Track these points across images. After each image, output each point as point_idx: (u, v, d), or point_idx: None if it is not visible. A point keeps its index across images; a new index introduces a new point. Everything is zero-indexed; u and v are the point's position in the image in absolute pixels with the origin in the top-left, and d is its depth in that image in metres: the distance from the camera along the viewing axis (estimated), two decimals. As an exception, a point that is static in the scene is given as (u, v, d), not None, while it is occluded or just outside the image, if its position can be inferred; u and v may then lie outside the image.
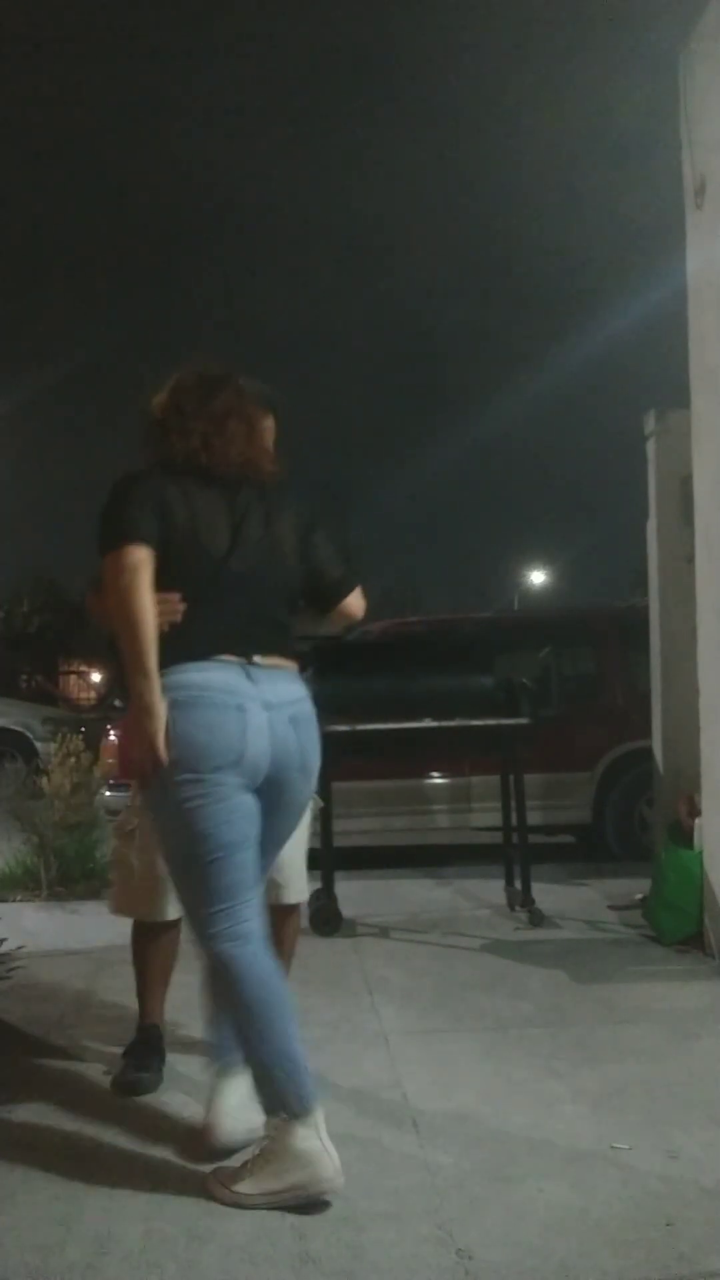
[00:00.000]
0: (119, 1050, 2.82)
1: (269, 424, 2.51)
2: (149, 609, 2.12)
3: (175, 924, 2.72)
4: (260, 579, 2.31)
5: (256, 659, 2.26)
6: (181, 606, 2.21)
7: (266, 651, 2.28)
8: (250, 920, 2.18)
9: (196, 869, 2.16)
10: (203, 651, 2.21)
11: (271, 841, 2.35)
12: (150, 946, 2.77)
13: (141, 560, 2.14)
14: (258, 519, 2.33)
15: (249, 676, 2.23)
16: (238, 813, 2.18)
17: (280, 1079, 2.09)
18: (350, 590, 2.47)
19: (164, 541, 2.20)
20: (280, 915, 2.71)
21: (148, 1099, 2.59)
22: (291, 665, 2.35)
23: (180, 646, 2.18)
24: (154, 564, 2.16)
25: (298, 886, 2.80)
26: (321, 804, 2.88)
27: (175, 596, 2.21)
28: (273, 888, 2.67)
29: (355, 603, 2.48)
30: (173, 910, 2.68)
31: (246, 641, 2.26)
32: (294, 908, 2.81)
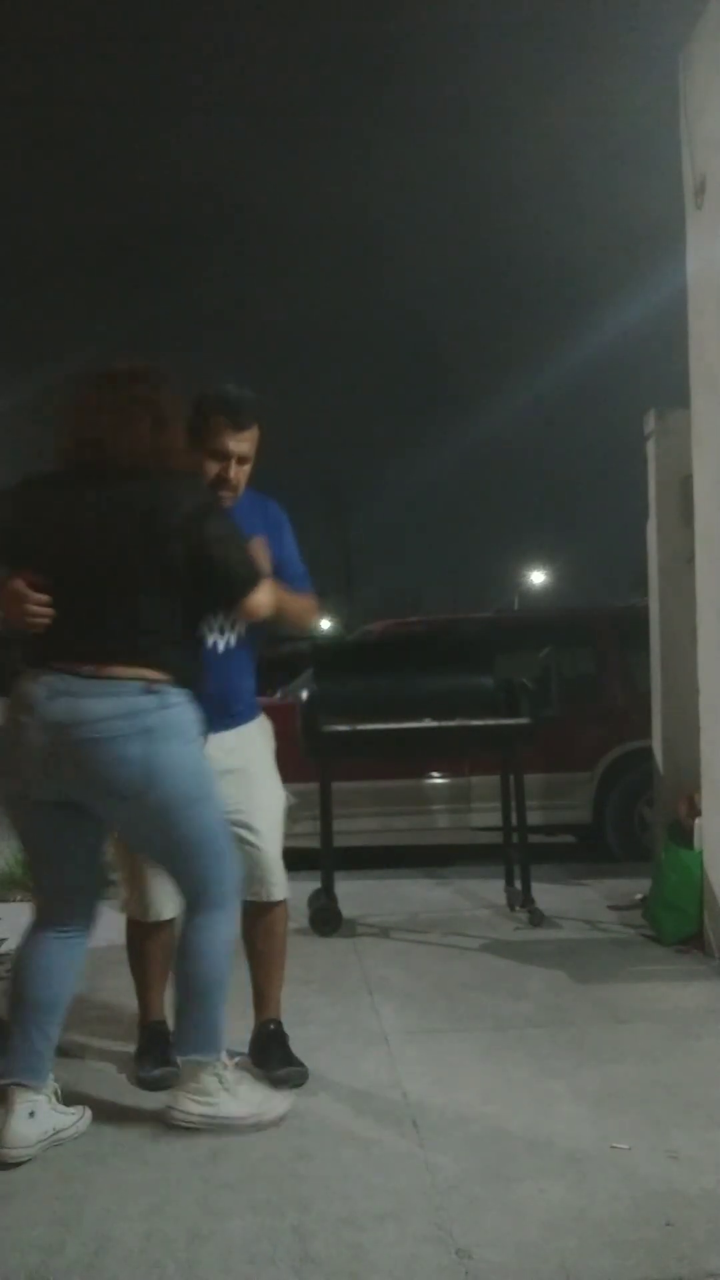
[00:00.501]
0: (119, 1050, 2.83)
1: (113, 403, 2.37)
2: None
3: (169, 923, 2.72)
4: (97, 575, 2.26)
5: (84, 669, 2.22)
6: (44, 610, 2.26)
7: (98, 659, 2.23)
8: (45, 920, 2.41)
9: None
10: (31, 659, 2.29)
11: (142, 850, 2.47)
12: (146, 945, 2.79)
13: None
14: (98, 511, 2.27)
15: (50, 692, 2.23)
16: (37, 825, 2.36)
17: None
18: (247, 588, 2.36)
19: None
20: (261, 911, 2.73)
21: (148, 1099, 2.59)
22: (134, 675, 2.23)
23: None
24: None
25: (278, 883, 2.75)
26: (293, 800, 2.87)
27: (41, 598, 2.26)
28: (252, 884, 2.67)
29: (258, 601, 2.39)
30: (167, 910, 2.69)
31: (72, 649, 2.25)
32: (276, 904, 2.76)
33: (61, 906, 2.43)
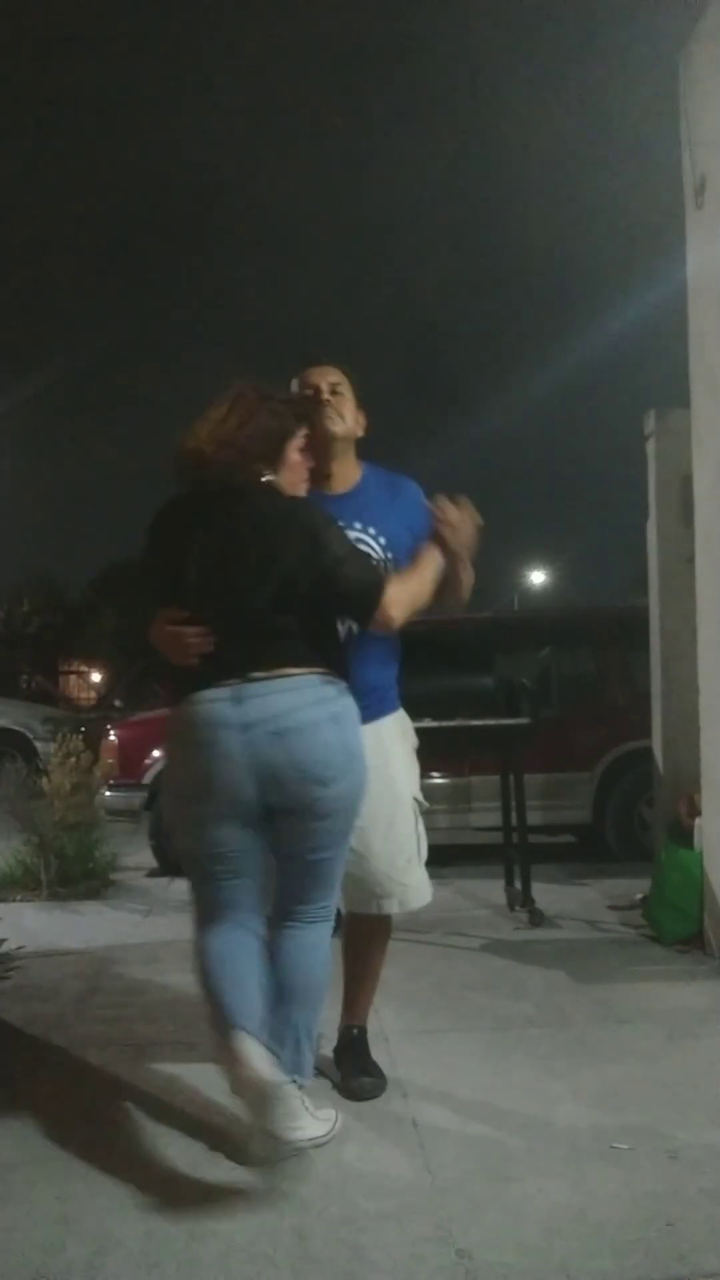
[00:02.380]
0: (119, 1049, 2.82)
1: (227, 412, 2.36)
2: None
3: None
4: (240, 597, 2.27)
5: (255, 675, 2.23)
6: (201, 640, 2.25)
7: (265, 667, 2.24)
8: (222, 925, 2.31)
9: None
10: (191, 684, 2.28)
11: (292, 854, 2.31)
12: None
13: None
14: (231, 534, 2.28)
15: (234, 699, 2.22)
16: (213, 836, 2.28)
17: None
18: (371, 607, 2.31)
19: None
20: (360, 921, 2.69)
21: (147, 1099, 2.59)
22: (307, 670, 2.26)
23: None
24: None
25: (384, 897, 2.61)
26: (426, 806, 2.73)
27: (198, 630, 2.26)
28: (354, 895, 2.61)
29: (388, 615, 2.32)
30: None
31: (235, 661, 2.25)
32: (379, 917, 2.67)
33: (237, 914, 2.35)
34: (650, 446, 4.83)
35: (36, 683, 22.94)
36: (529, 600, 34.24)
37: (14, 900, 4.92)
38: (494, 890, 4.74)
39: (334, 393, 2.62)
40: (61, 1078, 2.75)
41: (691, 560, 4.11)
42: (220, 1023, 2.18)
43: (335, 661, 2.33)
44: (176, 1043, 2.82)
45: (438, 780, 6.03)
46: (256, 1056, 2.10)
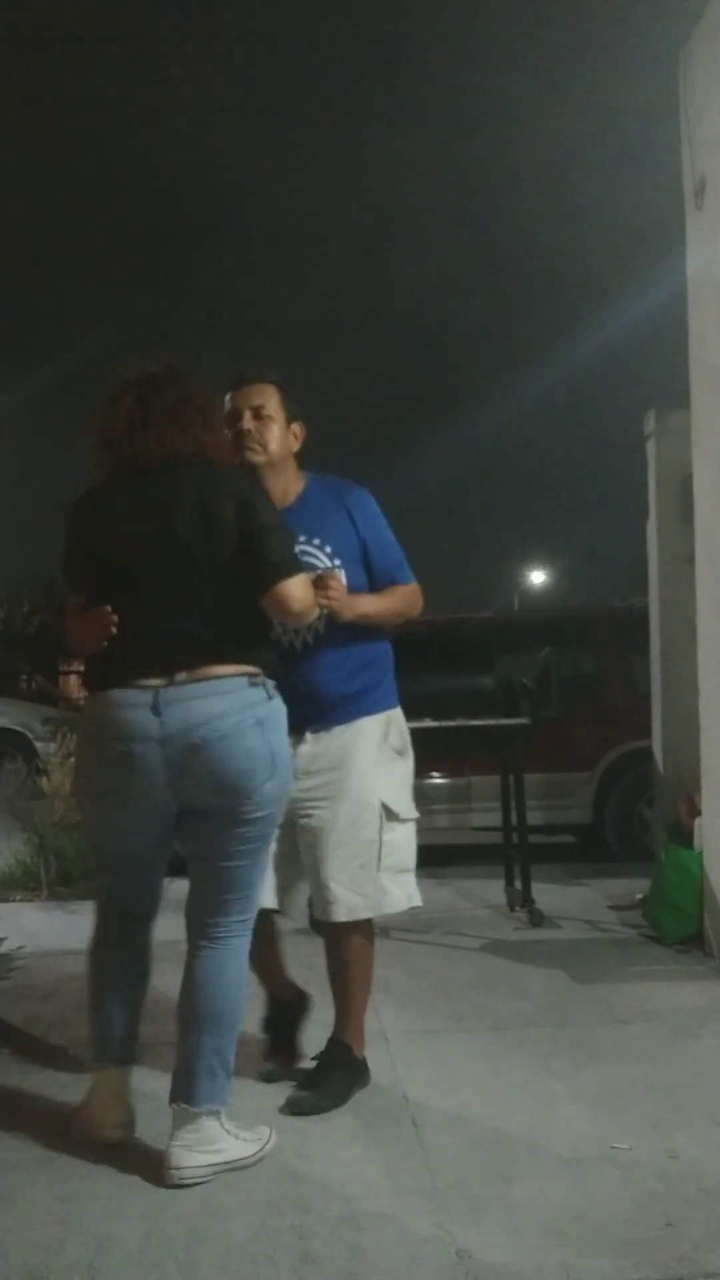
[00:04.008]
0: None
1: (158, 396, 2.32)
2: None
3: (269, 915, 2.58)
4: (167, 579, 2.22)
5: (179, 677, 2.17)
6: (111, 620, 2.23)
7: (189, 665, 2.18)
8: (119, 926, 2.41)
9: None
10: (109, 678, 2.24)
11: (206, 859, 2.26)
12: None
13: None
14: (157, 514, 2.23)
15: (155, 706, 2.15)
16: (123, 839, 2.31)
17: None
18: (277, 576, 2.23)
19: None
20: (329, 931, 2.61)
21: (147, 1099, 2.59)
22: (233, 671, 2.19)
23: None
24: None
25: (335, 903, 2.53)
26: (407, 815, 2.65)
27: (105, 610, 2.24)
28: (315, 900, 2.59)
29: (287, 593, 2.23)
30: (265, 899, 2.49)
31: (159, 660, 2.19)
32: (340, 925, 2.56)
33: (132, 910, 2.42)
34: (650, 446, 4.83)
35: (36, 683, 22.92)
36: (529, 600, 34.23)
37: (14, 900, 4.92)
38: (494, 890, 4.74)
39: (258, 417, 2.55)
40: (61, 1078, 2.75)
41: (691, 560, 4.11)
42: (91, 1045, 2.35)
43: (268, 659, 2.28)
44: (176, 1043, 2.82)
45: (438, 780, 6.03)
46: (107, 1098, 2.30)
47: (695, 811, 3.96)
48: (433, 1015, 3.19)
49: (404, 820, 2.63)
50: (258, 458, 2.55)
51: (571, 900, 4.67)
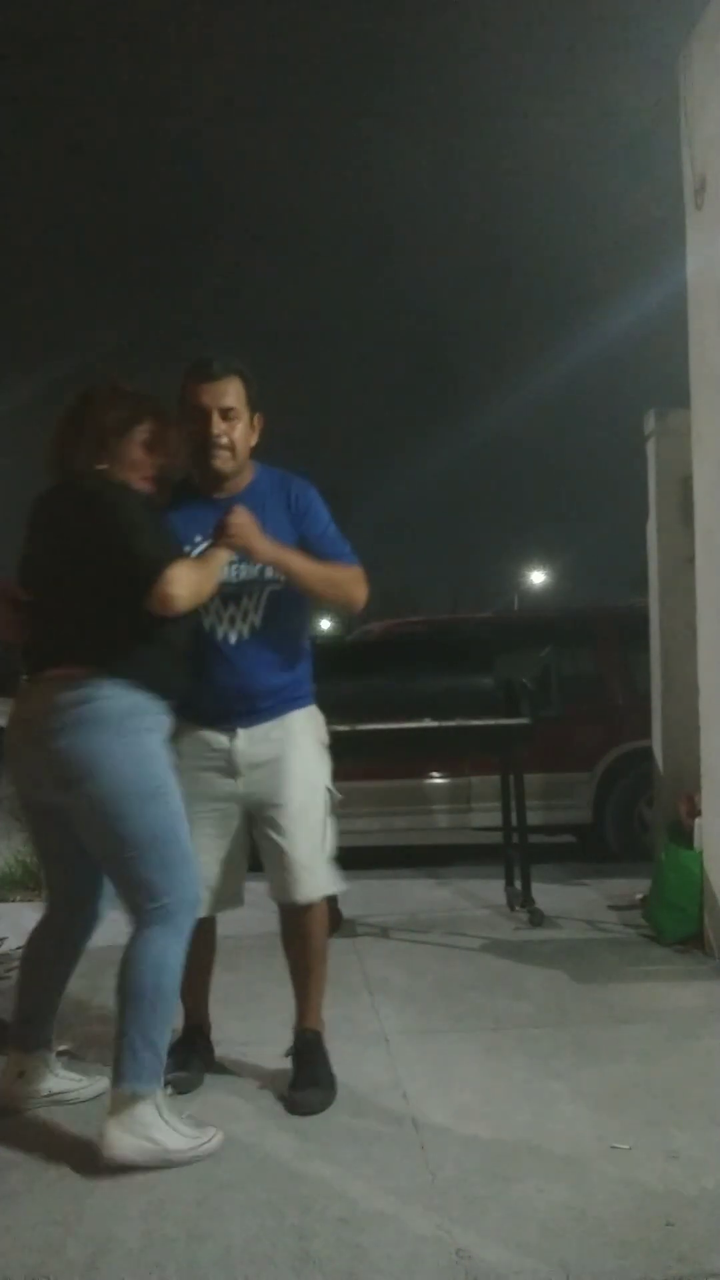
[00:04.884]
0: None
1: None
2: None
3: (207, 922, 2.67)
4: (51, 585, 2.42)
5: (46, 674, 2.37)
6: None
7: (55, 664, 2.36)
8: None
9: None
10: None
11: (94, 852, 2.40)
12: None
13: None
14: (49, 526, 2.45)
15: (23, 698, 2.41)
16: (31, 825, 2.56)
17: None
18: (151, 575, 2.27)
19: None
20: (289, 914, 2.68)
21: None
22: (67, 673, 2.31)
23: None
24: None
25: (305, 884, 2.62)
26: (339, 798, 2.75)
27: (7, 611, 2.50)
28: (276, 885, 2.64)
29: (164, 592, 2.27)
30: (201, 908, 2.55)
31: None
32: (305, 907, 2.65)
33: (63, 906, 2.57)
34: (650, 446, 4.83)
35: (36, 683, 22.86)
36: (529, 600, 34.24)
37: (14, 900, 4.91)
38: (494, 890, 4.74)
39: (226, 419, 2.52)
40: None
41: (691, 560, 4.11)
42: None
43: (133, 662, 2.34)
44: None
45: (438, 780, 6.04)
46: (6, 1076, 2.48)
47: (695, 811, 3.96)
48: (433, 1015, 3.19)
49: (334, 807, 2.74)
50: (227, 466, 2.56)
51: (571, 900, 4.67)
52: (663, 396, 4.73)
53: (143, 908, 2.31)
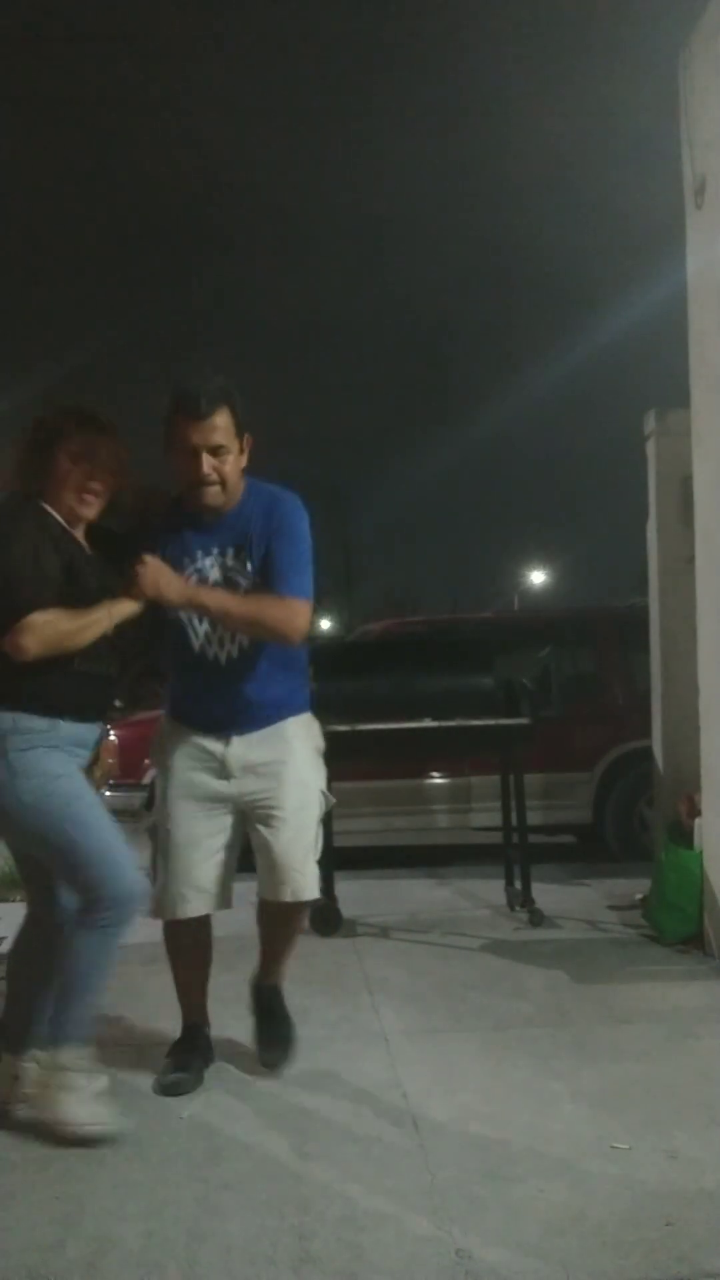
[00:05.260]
0: (119, 1050, 2.82)
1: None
2: None
3: (201, 921, 2.72)
4: None
5: None
6: None
7: None
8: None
9: None
10: None
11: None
12: (176, 943, 2.78)
13: None
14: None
15: None
16: None
17: None
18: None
19: None
20: (271, 905, 2.69)
21: (147, 1099, 2.59)
22: None
23: None
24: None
25: (287, 884, 2.64)
26: (333, 801, 2.79)
27: None
28: (263, 882, 2.67)
29: (10, 642, 2.39)
30: (193, 906, 2.67)
31: None
32: (287, 904, 2.68)
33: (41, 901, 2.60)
34: (650, 446, 4.83)
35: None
36: (529, 600, 34.23)
37: (14, 900, 4.91)
38: (494, 890, 4.74)
39: (216, 455, 2.52)
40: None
41: (691, 560, 4.11)
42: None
43: (24, 689, 2.39)
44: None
45: (438, 780, 6.04)
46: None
47: (695, 811, 3.96)
48: (433, 1015, 3.19)
49: (326, 811, 2.77)
50: (217, 500, 2.57)
51: (571, 900, 4.67)
52: (663, 396, 4.73)
53: (83, 899, 2.40)
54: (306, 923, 2.88)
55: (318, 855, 2.71)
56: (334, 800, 2.80)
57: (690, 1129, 2.35)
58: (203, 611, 2.56)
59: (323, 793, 2.74)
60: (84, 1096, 2.37)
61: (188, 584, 2.55)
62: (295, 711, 2.73)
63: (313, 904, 3.92)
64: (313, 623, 2.75)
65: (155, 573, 2.48)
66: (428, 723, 4.50)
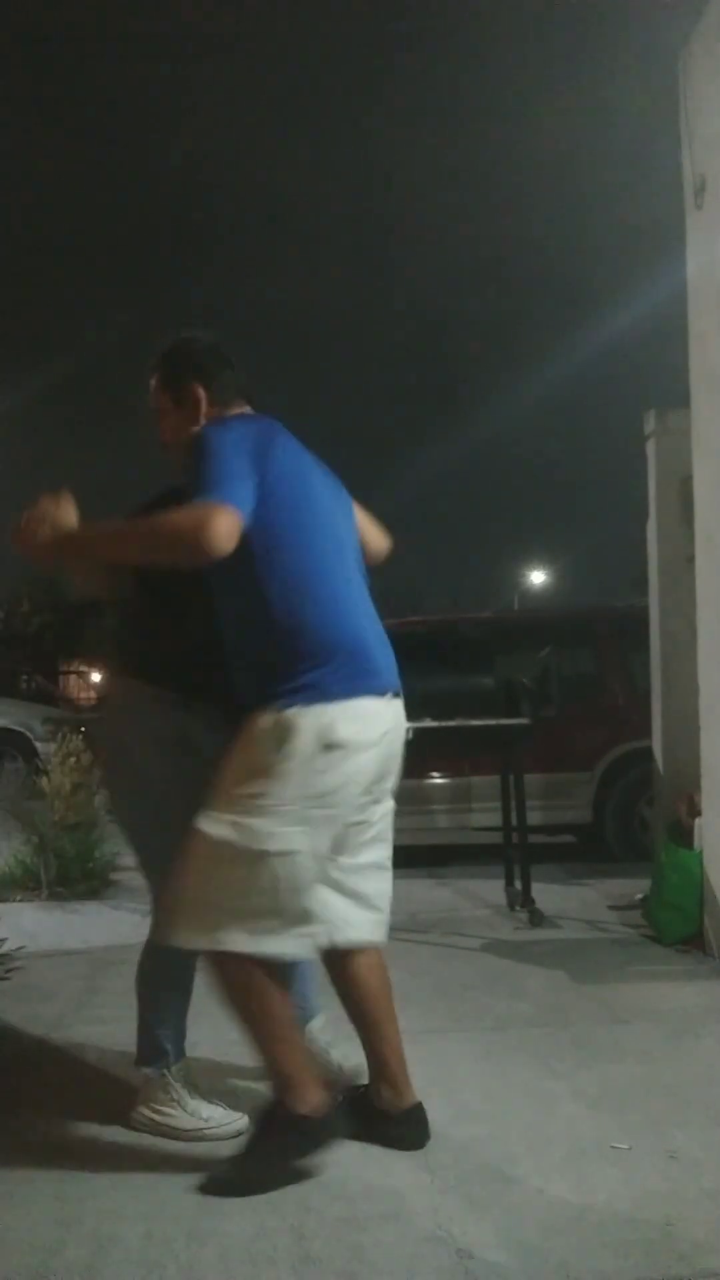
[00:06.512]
0: (118, 1050, 2.82)
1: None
2: None
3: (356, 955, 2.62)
4: None
5: None
6: None
7: None
8: None
9: None
10: None
11: None
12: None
13: None
14: None
15: None
16: None
17: None
18: None
19: None
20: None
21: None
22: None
23: None
24: None
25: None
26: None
27: None
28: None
29: None
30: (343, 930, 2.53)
31: None
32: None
33: None
34: (650, 446, 4.83)
35: (36, 683, 22.95)
36: (529, 600, 34.22)
37: (14, 900, 4.92)
38: (494, 890, 4.74)
39: (160, 420, 2.49)
40: (61, 1078, 2.75)
41: (691, 560, 4.11)
42: None
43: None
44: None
45: (438, 780, 6.04)
46: None
47: (695, 811, 3.96)
48: (433, 1015, 3.18)
49: None
50: (175, 458, 2.45)
51: (571, 900, 4.67)
52: (663, 396, 4.74)
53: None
54: None
55: None
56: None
57: (690, 1129, 2.34)
58: (80, 552, 2.33)
59: None
60: (185, 1104, 2.39)
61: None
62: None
63: None
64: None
65: (28, 522, 2.22)
66: (427, 723, 4.50)
